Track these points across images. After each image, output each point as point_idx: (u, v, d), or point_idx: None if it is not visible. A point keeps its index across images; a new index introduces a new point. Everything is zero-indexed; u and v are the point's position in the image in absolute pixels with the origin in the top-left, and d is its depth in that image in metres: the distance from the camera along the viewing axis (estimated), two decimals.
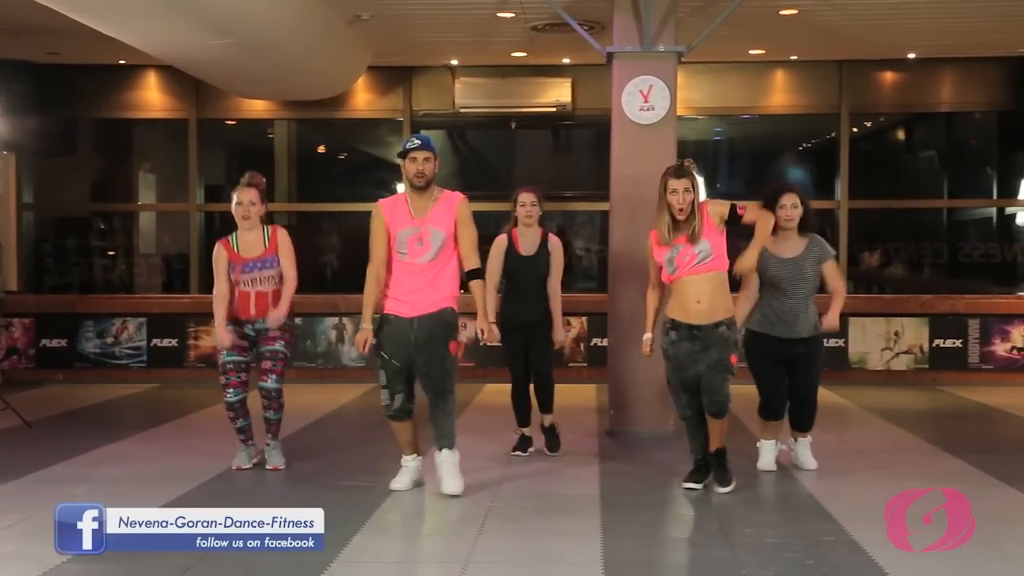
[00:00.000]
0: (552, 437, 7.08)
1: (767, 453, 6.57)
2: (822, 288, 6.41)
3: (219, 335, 6.41)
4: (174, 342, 10.83)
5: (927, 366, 10.62)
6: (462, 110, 11.66)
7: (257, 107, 11.91)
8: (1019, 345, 10.56)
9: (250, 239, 6.46)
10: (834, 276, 6.39)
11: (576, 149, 13.06)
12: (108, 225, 12.76)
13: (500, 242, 6.91)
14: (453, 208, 5.87)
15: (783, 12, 9.19)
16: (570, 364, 10.36)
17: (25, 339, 11.01)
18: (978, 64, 11.44)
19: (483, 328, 5.96)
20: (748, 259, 5.95)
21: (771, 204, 6.24)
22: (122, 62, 11.36)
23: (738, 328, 6.08)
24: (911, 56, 11.15)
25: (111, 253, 12.76)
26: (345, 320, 10.64)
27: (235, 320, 6.45)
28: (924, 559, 4.65)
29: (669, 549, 5.06)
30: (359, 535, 5.03)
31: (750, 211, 5.94)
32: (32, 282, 12.07)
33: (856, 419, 8.61)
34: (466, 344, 6.46)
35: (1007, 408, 9.08)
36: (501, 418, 7.71)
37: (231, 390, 6.44)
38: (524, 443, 7.04)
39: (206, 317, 10.75)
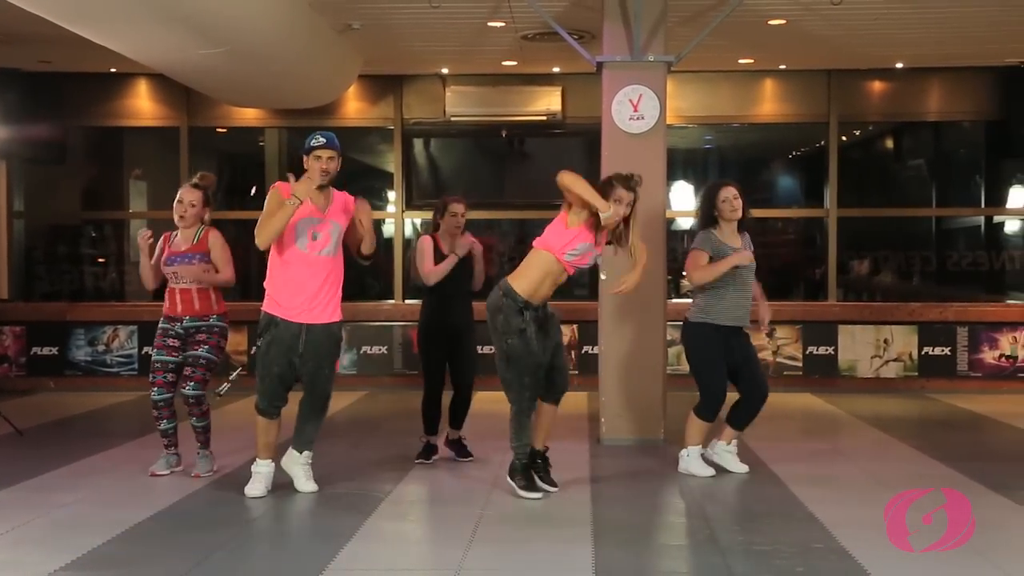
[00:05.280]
0: (461, 447, 7.11)
1: (699, 460, 6.58)
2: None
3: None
4: None
5: (916, 374, 10.69)
6: (453, 118, 11.67)
7: (248, 115, 11.92)
8: (1007, 353, 10.63)
9: (184, 236, 6.61)
10: None
11: (566, 157, 13.08)
12: (99, 233, 12.75)
13: (428, 243, 6.91)
14: (350, 209, 6.03)
15: (772, 22, 9.25)
16: None
17: (16, 347, 11.01)
18: (966, 74, 11.51)
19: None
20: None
21: (712, 202, 6.46)
22: (113, 70, 11.37)
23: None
24: (899, 66, 11.22)
25: (102, 261, 12.75)
26: None
27: (167, 318, 6.55)
28: (913, 567, 4.68)
29: (661, 556, 5.09)
30: (351, 542, 5.05)
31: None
32: (23, 290, 12.04)
33: (846, 426, 8.65)
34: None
35: (995, 416, 9.13)
36: (495, 425, 7.74)
37: (156, 388, 6.52)
38: (429, 451, 7.02)
39: None
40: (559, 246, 5.86)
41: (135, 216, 12.77)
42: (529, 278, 5.92)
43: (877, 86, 11.83)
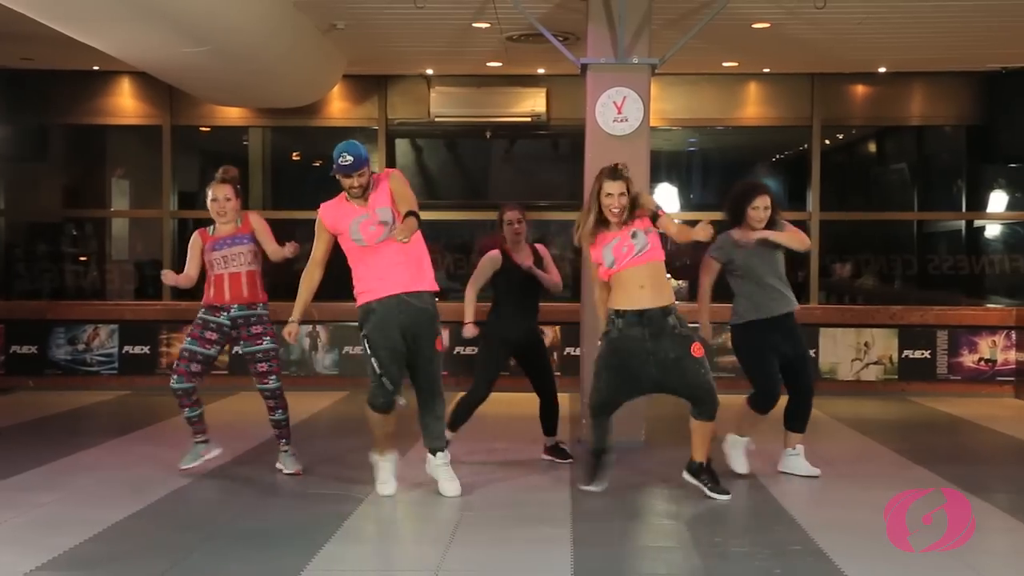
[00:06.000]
0: (560, 451, 7.20)
1: (743, 454, 6.66)
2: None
3: (170, 276, 6.52)
4: (146, 349, 10.78)
5: (896, 377, 10.73)
6: (437, 119, 11.67)
7: (232, 114, 11.89)
8: (987, 356, 10.67)
9: (226, 230, 6.53)
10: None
11: (550, 158, 13.10)
12: (80, 231, 12.69)
13: (494, 257, 6.93)
14: (386, 186, 5.96)
15: (756, 25, 9.28)
16: None
17: None
18: (948, 79, 11.58)
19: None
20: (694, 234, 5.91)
21: (743, 202, 6.45)
22: (96, 68, 11.32)
23: (711, 334, 6.48)
24: (882, 70, 11.28)
25: (83, 259, 12.69)
26: (319, 328, 10.64)
27: (210, 308, 6.45)
28: (890, 569, 4.71)
29: (639, 558, 5.10)
30: (330, 543, 5.05)
31: (667, 223, 5.99)
32: (2, 288, 11.98)
33: (826, 429, 8.67)
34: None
35: (974, 419, 9.18)
36: (476, 426, 7.72)
37: (176, 376, 6.42)
38: None
39: (179, 324, 10.74)
40: (600, 270, 6.00)
41: (117, 215, 12.73)
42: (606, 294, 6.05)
43: (860, 90, 11.89)
